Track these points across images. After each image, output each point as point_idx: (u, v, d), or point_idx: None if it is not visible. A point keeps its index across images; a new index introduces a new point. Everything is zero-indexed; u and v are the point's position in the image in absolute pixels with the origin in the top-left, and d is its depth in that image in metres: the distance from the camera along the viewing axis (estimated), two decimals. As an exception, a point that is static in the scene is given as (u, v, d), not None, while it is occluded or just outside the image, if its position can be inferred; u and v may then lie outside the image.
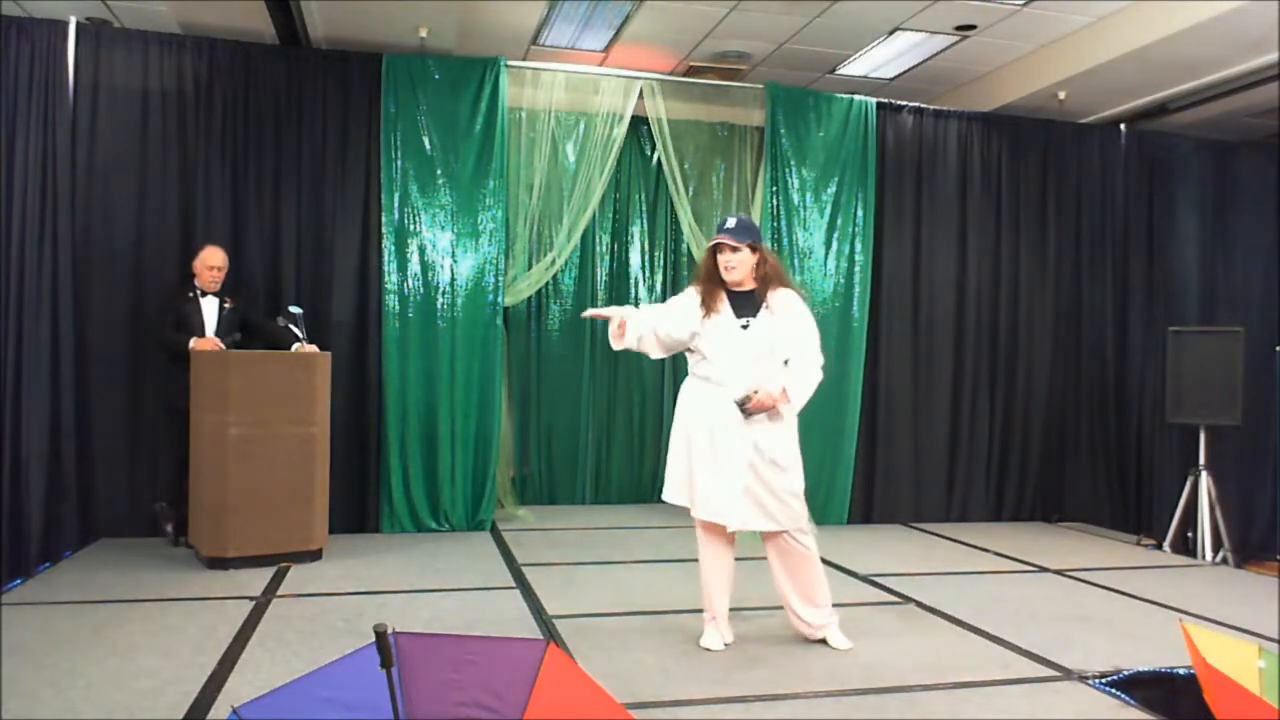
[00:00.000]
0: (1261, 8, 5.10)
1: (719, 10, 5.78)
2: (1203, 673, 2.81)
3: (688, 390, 3.78)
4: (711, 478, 3.63)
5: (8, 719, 2.86)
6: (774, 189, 6.47)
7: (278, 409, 4.81)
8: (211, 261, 5.25)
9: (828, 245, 6.53)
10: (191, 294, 5.26)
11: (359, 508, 5.89)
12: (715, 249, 3.68)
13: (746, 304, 3.69)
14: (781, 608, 3.84)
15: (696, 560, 3.81)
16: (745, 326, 3.65)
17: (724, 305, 3.68)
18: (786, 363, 3.66)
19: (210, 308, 5.27)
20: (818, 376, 3.66)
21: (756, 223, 6.42)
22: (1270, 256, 7.32)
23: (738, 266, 3.66)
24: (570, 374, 7.15)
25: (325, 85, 5.88)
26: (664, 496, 3.83)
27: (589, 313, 4.06)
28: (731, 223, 3.69)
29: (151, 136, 5.56)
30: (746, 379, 3.60)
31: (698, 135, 6.88)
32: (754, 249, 3.68)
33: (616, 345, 3.87)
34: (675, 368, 7.32)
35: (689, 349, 3.77)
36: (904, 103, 6.88)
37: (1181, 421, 6.24)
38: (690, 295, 3.78)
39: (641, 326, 3.79)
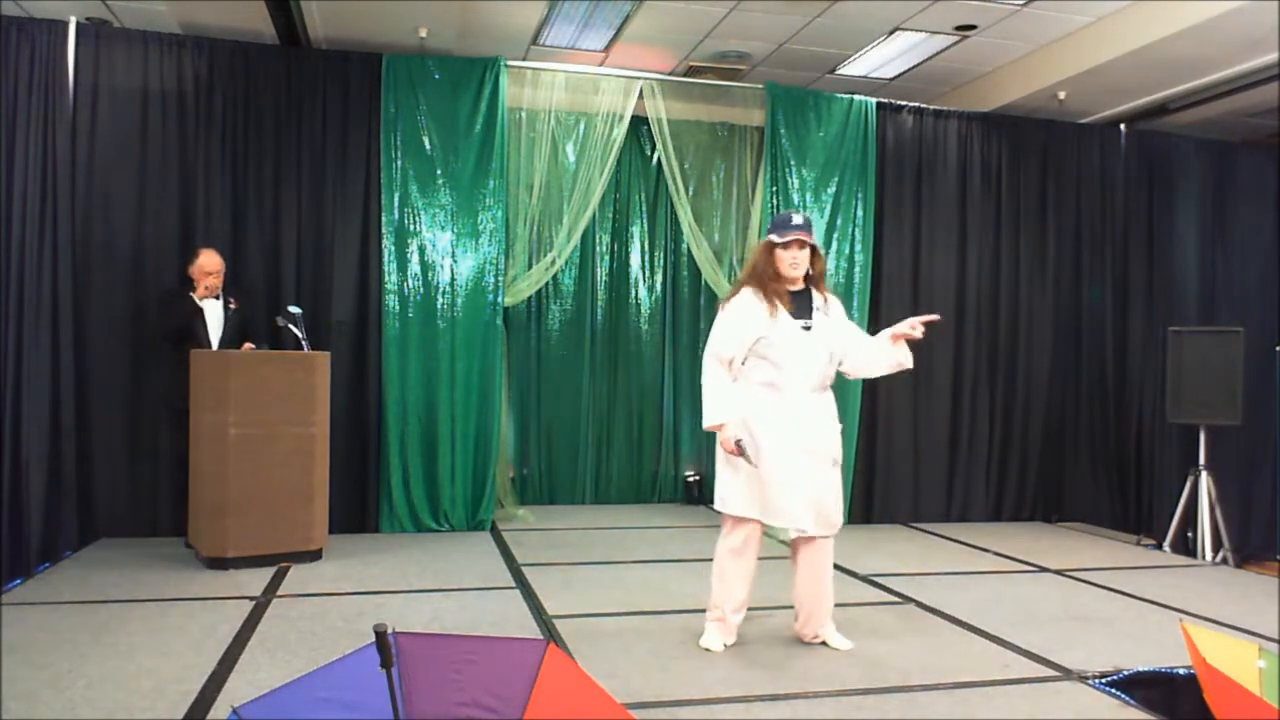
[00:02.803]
0: (1261, 8, 5.10)
1: (719, 10, 5.78)
2: (1203, 673, 2.81)
3: (748, 397, 3.60)
4: (785, 485, 3.54)
5: (8, 719, 2.86)
6: (774, 189, 6.47)
7: (278, 409, 4.81)
8: (209, 268, 5.18)
9: (828, 245, 6.53)
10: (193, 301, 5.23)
11: (359, 508, 5.89)
12: (782, 245, 3.60)
13: (800, 304, 3.65)
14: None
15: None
16: (807, 328, 3.62)
17: (782, 306, 3.62)
18: (840, 364, 3.74)
19: (214, 312, 5.23)
20: None
21: (754, 222, 6.47)
22: (1270, 256, 7.32)
23: (803, 264, 3.64)
24: (570, 374, 7.15)
25: (325, 85, 5.88)
26: (728, 510, 3.65)
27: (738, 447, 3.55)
28: (799, 219, 3.64)
29: (151, 136, 5.56)
30: (810, 382, 3.60)
31: (698, 135, 6.89)
32: (813, 247, 3.68)
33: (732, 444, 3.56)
34: (675, 367, 7.33)
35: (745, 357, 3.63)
36: (904, 103, 6.88)
37: (1181, 421, 6.24)
38: (749, 302, 3.62)
39: (735, 397, 3.60)
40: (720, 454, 3.66)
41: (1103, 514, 7.03)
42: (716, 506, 3.72)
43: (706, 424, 3.63)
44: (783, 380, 3.59)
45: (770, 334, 3.57)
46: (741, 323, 3.61)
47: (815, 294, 3.71)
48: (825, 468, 3.62)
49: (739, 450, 3.50)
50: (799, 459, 3.56)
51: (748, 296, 3.65)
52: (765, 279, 3.65)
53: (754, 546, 3.69)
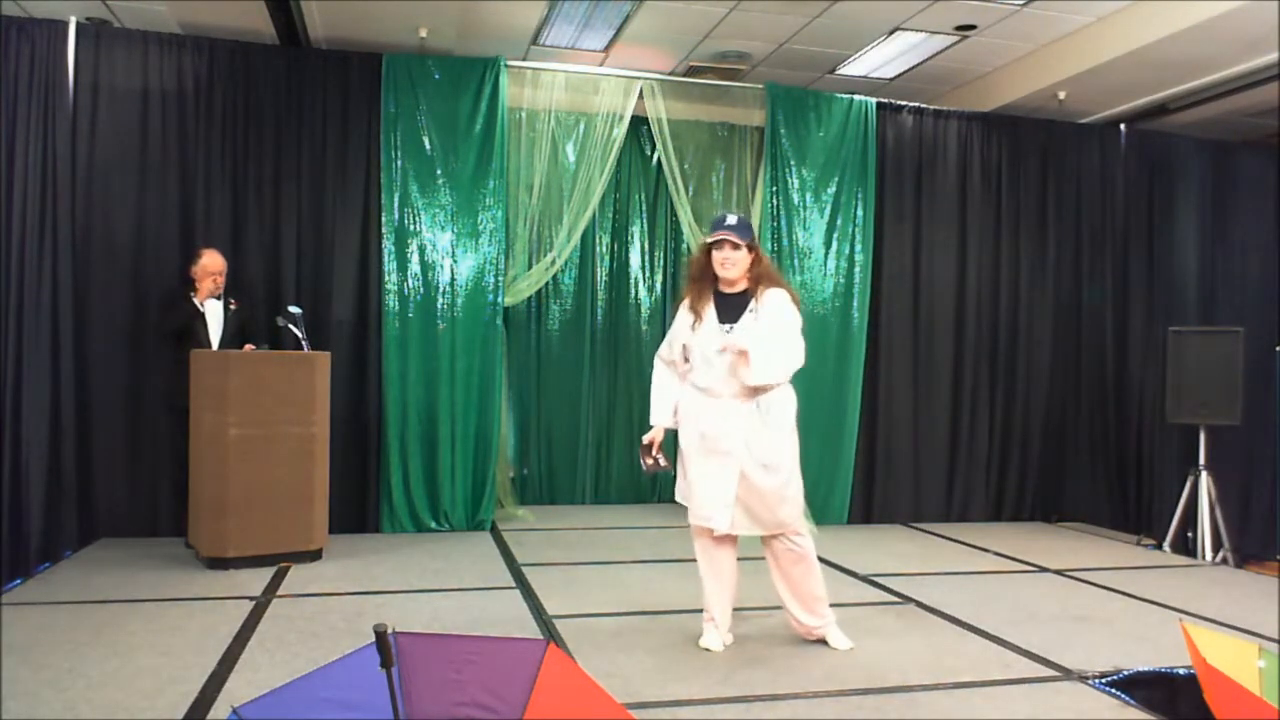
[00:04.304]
0: (1261, 8, 5.10)
1: (719, 10, 5.78)
2: (1203, 673, 2.81)
3: (684, 398, 3.74)
4: (703, 483, 3.63)
5: (8, 719, 2.86)
6: (774, 189, 6.47)
7: (278, 409, 4.81)
8: (212, 268, 5.18)
9: (828, 245, 6.53)
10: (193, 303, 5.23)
11: (359, 508, 5.89)
12: (713, 245, 3.63)
13: (734, 307, 3.64)
14: (781, 607, 3.84)
15: (696, 560, 3.80)
16: (728, 332, 3.61)
17: (710, 310, 3.65)
18: None
19: (214, 312, 5.23)
20: (784, 363, 3.57)
21: (755, 222, 6.47)
22: (1270, 256, 7.32)
23: (735, 265, 3.61)
24: (570, 374, 7.15)
25: (325, 85, 5.88)
26: (679, 499, 3.81)
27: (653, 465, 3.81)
28: (732, 219, 3.62)
29: (151, 136, 5.56)
30: (732, 386, 3.58)
31: (698, 135, 6.88)
32: (750, 248, 3.64)
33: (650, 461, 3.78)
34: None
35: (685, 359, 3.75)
36: (904, 103, 6.88)
37: (1181, 421, 6.24)
38: (683, 305, 3.75)
39: (670, 402, 3.78)
40: (677, 449, 3.79)
41: (1103, 514, 7.03)
42: (676, 498, 3.83)
43: (651, 421, 3.83)
44: (707, 383, 3.63)
45: (693, 338, 3.65)
46: (676, 327, 3.76)
47: (757, 295, 3.64)
48: (750, 468, 3.56)
49: (645, 451, 3.74)
50: (711, 460, 3.61)
51: (684, 300, 3.76)
52: (698, 280, 3.70)
53: (715, 541, 3.70)
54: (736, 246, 3.59)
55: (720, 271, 3.63)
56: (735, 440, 3.57)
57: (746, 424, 3.58)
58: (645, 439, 3.77)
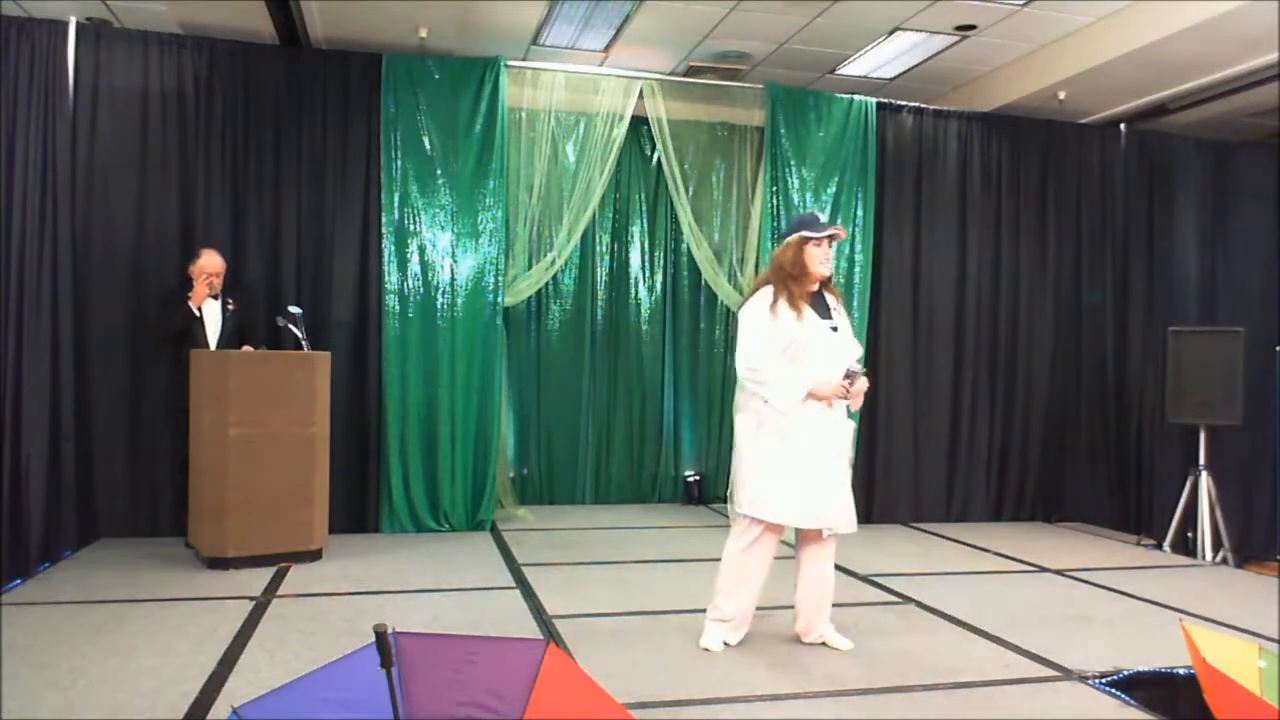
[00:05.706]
0: (1261, 8, 5.10)
1: (719, 10, 5.77)
2: (1203, 673, 2.81)
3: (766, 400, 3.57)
4: (821, 486, 3.54)
5: (8, 719, 2.86)
6: (774, 189, 6.47)
7: (278, 409, 4.81)
8: (209, 269, 5.19)
9: (827, 245, 6.53)
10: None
11: (359, 508, 5.89)
12: (815, 242, 3.56)
13: (819, 305, 3.63)
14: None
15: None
16: (835, 329, 3.61)
17: (807, 307, 3.58)
18: None
19: (212, 312, 5.24)
20: None
21: (754, 222, 6.48)
22: (1270, 256, 7.32)
23: (831, 262, 3.65)
24: (570, 374, 7.15)
25: (325, 85, 5.88)
26: (763, 515, 3.54)
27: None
28: (824, 217, 3.66)
29: (151, 136, 5.56)
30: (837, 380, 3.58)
31: (698, 135, 6.89)
32: None
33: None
34: (675, 367, 7.33)
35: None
36: (904, 103, 6.88)
37: (1181, 421, 6.24)
38: (777, 306, 3.55)
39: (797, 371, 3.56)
40: (749, 457, 3.57)
41: (1103, 514, 7.03)
42: (745, 510, 3.57)
43: (799, 398, 3.50)
44: (813, 381, 3.55)
45: (801, 337, 3.53)
46: (771, 329, 3.54)
47: (827, 295, 3.70)
48: (846, 467, 3.67)
49: (852, 380, 3.47)
50: (831, 461, 3.58)
51: (773, 300, 3.57)
52: (793, 278, 3.58)
53: (774, 548, 3.68)
54: (833, 242, 3.65)
55: (821, 269, 3.60)
56: (842, 439, 3.62)
57: (845, 419, 3.65)
58: (829, 388, 3.48)
